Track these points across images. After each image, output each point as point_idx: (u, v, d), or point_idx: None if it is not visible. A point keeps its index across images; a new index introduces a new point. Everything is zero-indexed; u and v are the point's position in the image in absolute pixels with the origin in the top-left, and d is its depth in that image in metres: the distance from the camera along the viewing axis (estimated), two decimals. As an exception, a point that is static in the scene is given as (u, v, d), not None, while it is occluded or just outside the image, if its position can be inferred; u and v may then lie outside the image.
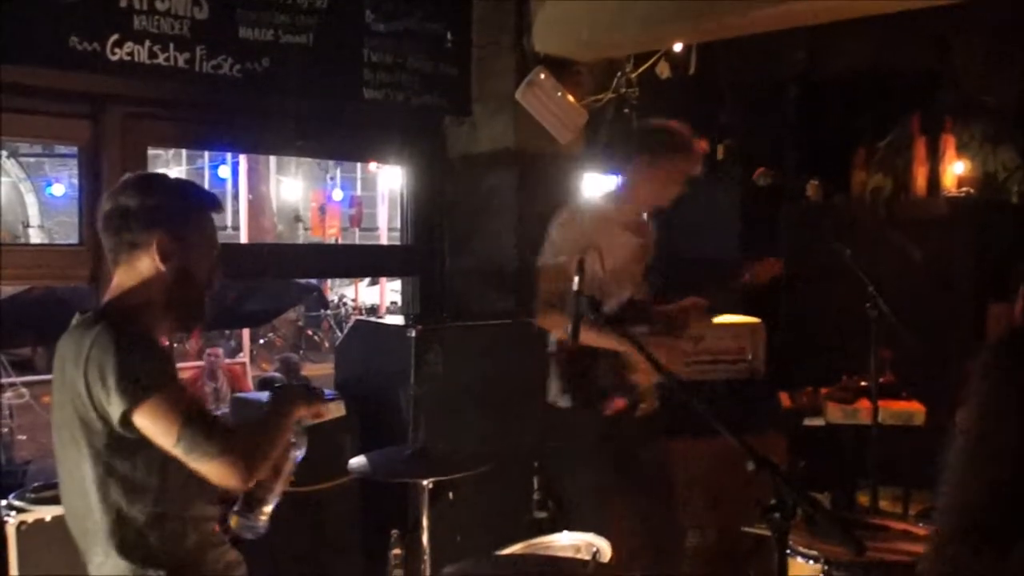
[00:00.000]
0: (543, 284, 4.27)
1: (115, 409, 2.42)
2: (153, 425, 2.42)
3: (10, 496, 4.09)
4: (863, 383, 5.55)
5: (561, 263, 4.18)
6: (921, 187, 7.13)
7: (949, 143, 7.11)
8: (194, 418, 2.43)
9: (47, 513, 3.93)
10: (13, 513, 3.91)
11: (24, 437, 8.45)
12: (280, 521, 4.69)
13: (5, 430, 8.11)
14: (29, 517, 3.90)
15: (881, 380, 5.04)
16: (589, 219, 4.38)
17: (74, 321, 2.62)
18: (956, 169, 7.11)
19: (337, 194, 21.48)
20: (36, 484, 4.27)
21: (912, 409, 5.44)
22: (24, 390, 8.58)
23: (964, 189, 7.07)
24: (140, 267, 2.64)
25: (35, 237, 28.27)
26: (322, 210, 20.49)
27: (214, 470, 2.45)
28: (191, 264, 2.68)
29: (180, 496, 2.60)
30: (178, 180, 2.91)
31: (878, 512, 4.89)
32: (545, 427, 4.52)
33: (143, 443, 2.46)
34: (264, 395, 4.93)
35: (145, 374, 2.41)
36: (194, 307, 2.75)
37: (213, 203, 2.83)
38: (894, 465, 5.27)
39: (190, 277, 2.68)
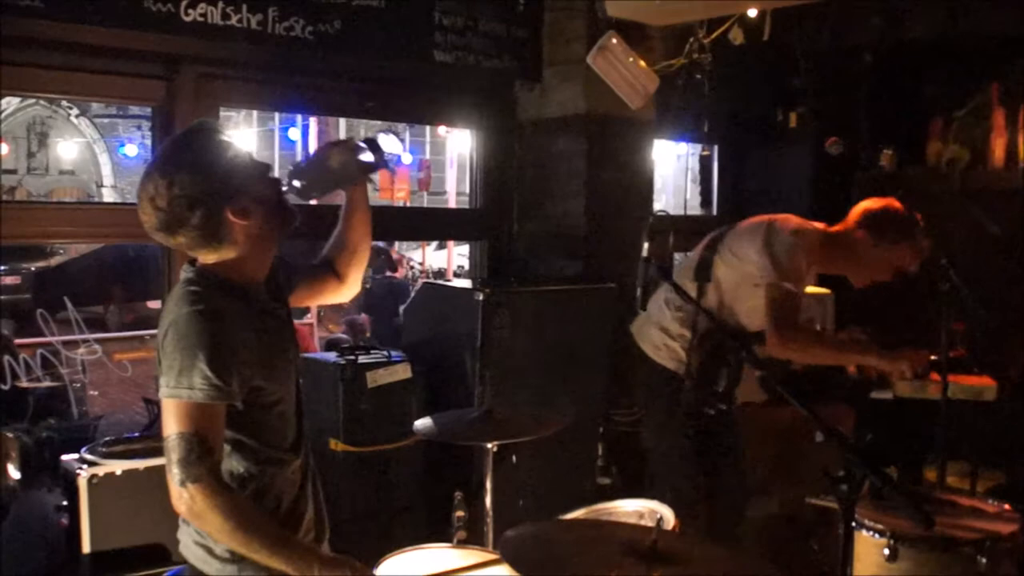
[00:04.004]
0: (778, 302, 4.15)
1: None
2: (164, 416, 2.48)
3: (82, 450, 4.17)
4: (933, 357, 5.48)
5: (796, 292, 4.16)
6: (999, 159, 6.98)
7: (1030, 114, 6.95)
8: (188, 441, 2.41)
9: (117, 467, 4.00)
10: (85, 467, 3.98)
11: (96, 393, 8.59)
12: (345, 481, 4.76)
13: (78, 385, 8.25)
14: (100, 471, 3.97)
15: (952, 354, 4.96)
16: (808, 255, 4.25)
17: (182, 275, 2.62)
18: (1037, 141, 6.95)
19: (406, 158, 21.53)
20: (107, 438, 4.36)
21: (983, 384, 5.36)
22: (96, 346, 8.70)
23: (1044, 162, 6.91)
24: (224, 250, 2.58)
25: (108, 196, 28.75)
26: (391, 169, 20.54)
27: (172, 488, 2.45)
28: (264, 204, 2.61)
29: (268, 457, 2.66)
30: (199, 149, 2.57)
31: (946, 488, 4.83)
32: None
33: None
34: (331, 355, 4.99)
35: (187, 376, 2.43)
36: (284, 221, 2.68)
37: (231, 152, 2.60)
38: (963, 441, 5.20)
39: (268, 211, 2.63)
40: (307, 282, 3.02)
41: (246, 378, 2.53)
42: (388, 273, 15.76)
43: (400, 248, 21.70)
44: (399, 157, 2.98)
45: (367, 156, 2.90)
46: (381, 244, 18.31)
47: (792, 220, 4.34)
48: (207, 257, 2.60)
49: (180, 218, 2.49)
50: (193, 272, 2.61)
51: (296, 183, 2.74)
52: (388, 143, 2.95)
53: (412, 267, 21.88)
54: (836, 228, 4.40)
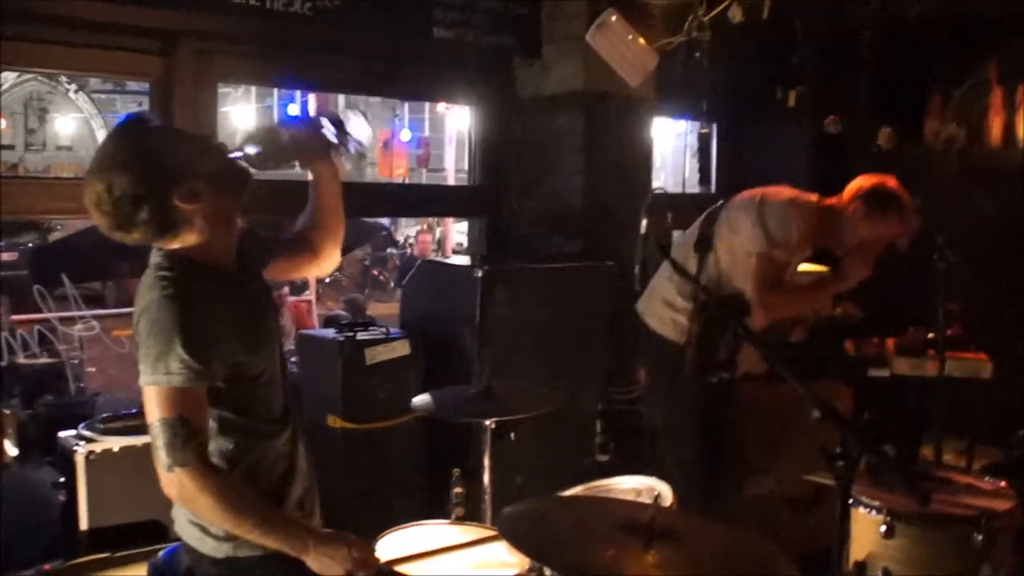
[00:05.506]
0: (763, 270, 4.25)
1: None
2: (145, 403, 2.47)
3: (79, 426, 4.18)
4: (930, 335, 5.48)
5: (776, 256, 4.25)
6: (996, 137, 6.98)
7: (1027, 92, 6.94)
8: (171, 426, 2.40)
9: (115, 443, 4.02)
10: (82, 443, 4.00)
11: (94, 369, 8.58)
12: (344, 457, 4.77)
13: (75, 362, 8.26)
14: (97, 447, 3.99)
15: (949, 332, 4.97)
16: (800, 225, 4.30)
17: (151, 261, 2.59)
18: (1034, 119, 6.95)
19: (405, 134, 21.49)
20: (104, 415, 4.37)
21: (980, 362, 5.38)
22: (95, 323, 8.70)
23: (1041, 141, 6.91)
24: (184, 235, 2.54)
25: (106, 172, 28.53)
26: (386, 145, 20.52)
27: (160, 474, 2.45)
28: (212, 180, 2.55)
29: (258, 430, 2.66)
30: (131, 147, 2.47)
31: (942, 465, 4.84)
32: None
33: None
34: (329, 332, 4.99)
35: (164, 362, 2.41)
36: (237, 186, 2.64)
37: (164, 140, 2.55)
38: (959, 418, 5.21)
39: (218, 185, 2.57)
40: (282, 257, 2.99)
41: (227, 356, 2.51)
42: (408, 251, 15.91)
43: (399, 225, 21.66)
44: (361, 143, 2.93)
45: (329, 133, 2.85)
46: (384, 221, 18.32)
47: (785, 191, 4.42)
48: (170, 244, 2.56)
49: (129, 217, 2.45)
50: (161, 256, 2.57)
51: (250, 149, 2.68)
52: (356, 127, 2.88)
53: (410, 244, 21.89)
54: (831, 201, 4.44)
